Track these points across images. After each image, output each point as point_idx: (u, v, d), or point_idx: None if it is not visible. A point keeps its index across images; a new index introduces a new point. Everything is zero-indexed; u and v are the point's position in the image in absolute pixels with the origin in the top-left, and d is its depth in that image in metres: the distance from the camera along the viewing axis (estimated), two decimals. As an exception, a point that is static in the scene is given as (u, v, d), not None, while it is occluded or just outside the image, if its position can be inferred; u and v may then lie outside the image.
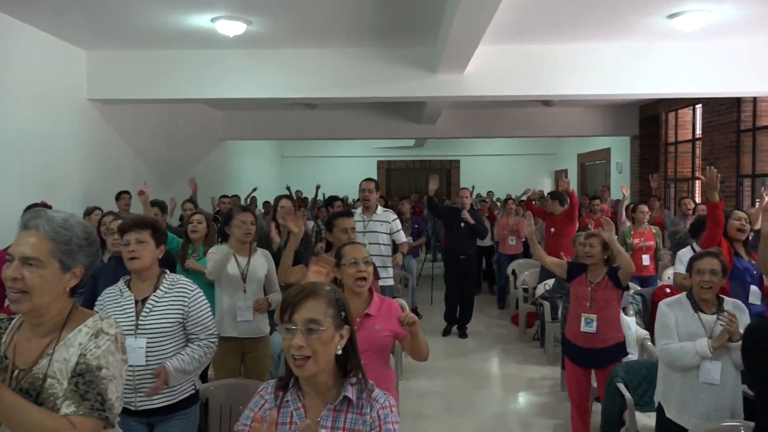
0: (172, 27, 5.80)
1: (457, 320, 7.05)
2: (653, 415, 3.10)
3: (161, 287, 2.59)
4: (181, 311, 2.58)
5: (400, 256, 5.44)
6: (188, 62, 6.63)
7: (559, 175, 16.80)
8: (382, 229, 5.22)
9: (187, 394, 2.65)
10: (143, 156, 8.13)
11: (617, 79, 6.61)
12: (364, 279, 2.61)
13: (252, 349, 3.76)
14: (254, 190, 10.59)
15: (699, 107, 9.58)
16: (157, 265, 2.65)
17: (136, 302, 2.55)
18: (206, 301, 2.70)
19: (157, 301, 2.56)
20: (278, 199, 4.69)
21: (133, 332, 2.50)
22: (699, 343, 2.70)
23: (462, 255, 6.80)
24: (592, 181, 14.27)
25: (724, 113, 8.64)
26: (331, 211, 7.22)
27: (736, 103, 8.37)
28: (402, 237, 5.35)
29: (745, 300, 3.48)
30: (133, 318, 2.52)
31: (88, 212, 5.71)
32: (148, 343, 2.50)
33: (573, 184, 15.50)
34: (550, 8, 5.37)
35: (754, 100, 8.13)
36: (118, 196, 6.45)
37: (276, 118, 11.10)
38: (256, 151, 14.23)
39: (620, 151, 12.28)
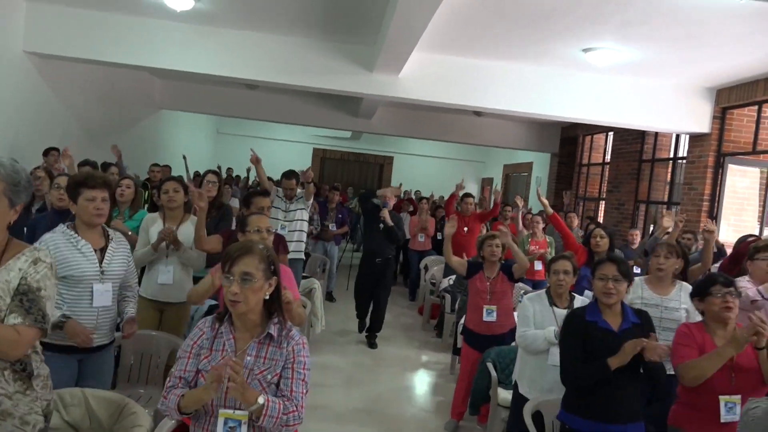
0: (120, -8, 5.92)
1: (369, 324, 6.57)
2: (513, 392, 3.63)
3: (113, 239, 2.94)
4: (128, 260, 3.00)
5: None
6: (132, 28, 6.71)
7: (486, 182, 17.63)
8: (302, 206, 5.91)
9: (114, 335, 3.05)
10: (76, 115, 8.09)
11: (537, 100, 7.24)
12: None
13: (171, 308, 3.92)
14: (184, 158, 10.62)
15: (611, 134, 10.45)
16: None
17: (95, 250, 2.84)
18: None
19: (114, 252, 2.91)
20: (205, 173, 4.98)
21: (99, 278, 2.81)
22: (547, 331, 3.24)
23: (378, 258, 6.33)
24: (515, 191, 15.09)
25: (631, 142, 9.52)
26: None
27: (641, 135, 9.25)
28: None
29: None
30: (98, 265, 2.82)
31: None
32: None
33: (497, 192, 16.36)
34: (480, 27, 5.88)
35: (656, 134, 9.01)
36: (46, 152, 6.47)
37: (216, 93, 11.14)
38: (192, 124, 14.15)
39: (541, 166, 13.12)
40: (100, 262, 2.83)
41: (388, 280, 6.51)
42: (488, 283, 4.32)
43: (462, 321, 4.73)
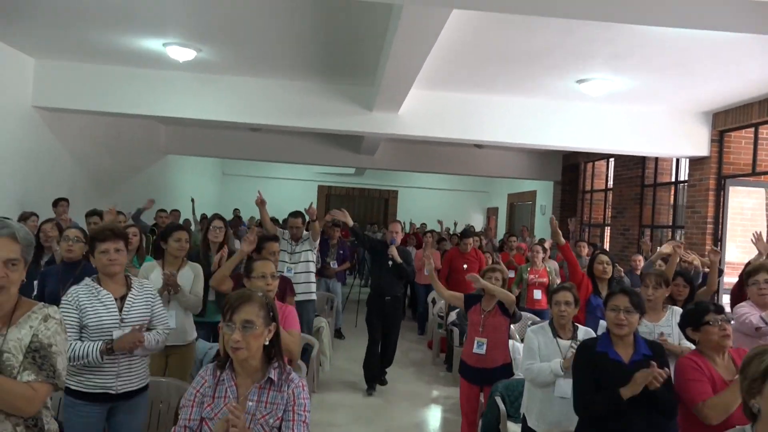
0: (124, 46, 6.11)
1: (377, 373, 6.18)
2: (524, 425, 3.62)
3: (134, 288, 3.00)
4: (150, 308, 3.03)
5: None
6: (136, 79, 6.93)
7: (491, 212, 17.68)
8: (308, 247, 5.97)
9: (148, 381, 3.08)
10: (83, 164, 8.26)
11: (535, 131, 7.35)
12: (270, 290, 3.15)
13: (176, 352, 4.00)
14: (192, 201, 10.78)
15: (612, 160, 10.53)
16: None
17: (115, 299, 2.92)
18: (161, 301, 3.17)
19: (134, 300, 2.97)
20: (212, 219, 5.07)
21: (118, 325, 2.87)
22: (553, 363, 3.25)
23: (387, 296, 6.03)
24: (520, 221, 15.16)
25: (632, 168, 9.58)
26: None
27: (641, 160, 9.32)
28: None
29: (596, 331, 4.11)
30: (117, 313, 2.89)
31: (24, 217, 5.92)
32: None
33: (501, 222, 16.40)
34: (474, 66, 6.03)
35: (656, 159, 9.08)
36: (55, 203, 6.62)
37: (220, 136, 11.37)
38: (197, 167, 14.34)
39: (545, 194, 13.19)
40: (120, 310, 2.91)
41: (397, 318, 6.26)
42: (482, 316, 4.34)
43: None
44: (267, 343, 2.14)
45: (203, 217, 11.15)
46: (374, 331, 6.10)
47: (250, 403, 2.09)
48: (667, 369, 2.63)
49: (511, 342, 5.07)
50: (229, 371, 2.15)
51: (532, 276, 6.60)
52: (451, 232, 12.16)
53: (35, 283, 3.79)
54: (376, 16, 4.80)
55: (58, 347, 1.97)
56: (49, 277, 3.76)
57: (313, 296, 6.03)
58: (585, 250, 7.91)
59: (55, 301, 3.43)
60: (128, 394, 2.93)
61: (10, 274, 1.90)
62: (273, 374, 2.13)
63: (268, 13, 4.95)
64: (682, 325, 2.97)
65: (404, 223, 12.20)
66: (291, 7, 4.75)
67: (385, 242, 6.11)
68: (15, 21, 5.54)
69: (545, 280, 6.62)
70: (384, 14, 4.70)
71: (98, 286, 2.92)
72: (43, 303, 2.07)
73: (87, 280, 2.98)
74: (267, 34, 5.48)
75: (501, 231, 15.46)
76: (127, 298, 2.95)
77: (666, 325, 3.61)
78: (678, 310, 3.64)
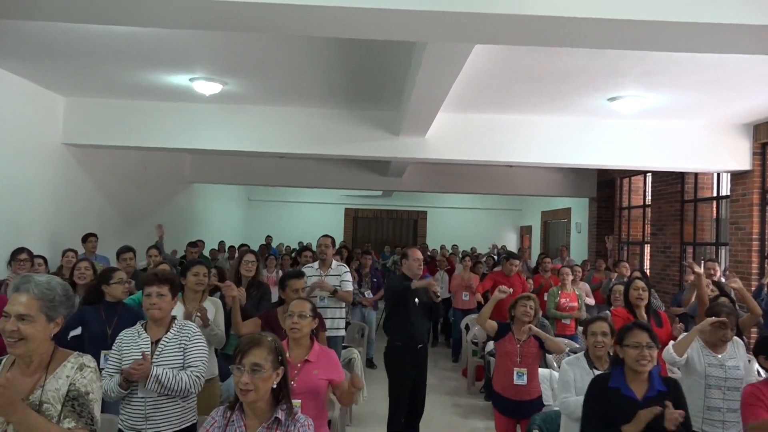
0: (151, 82, 6.15)
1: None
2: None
3: (171, 330, 2.98)
4: (182, 350, 2.95)
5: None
6: (163, 113, 6.97)
7: (525, 231, 17.35)
8: (336, 282, 5.49)
9: (189, 423, 2.97)
10: (111, 199, 8.32)
11: (567, 150, 7.14)
12: (295, 329, 3.09)
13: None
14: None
15: (650, 176, 10.19)
16: (170, 312, 3.05)
17: (151, 343, 2.92)
18: (204, 345, 3.02)
19: (167, 343, 2.94)
20: (243, 253, 4.98)
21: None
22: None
23: (420, 344, 4.87)
24: (554, 239, 14.82)
25: (671, 183, 9.25)
26: (300, 260, 7.56)
27: (680, 175, 8.99)
28: (347, 287, 5.52)
29: None
30: (149, 357, 2.85)
31: (63, 254, 6.05)
32: None
33: (536, 240, 16.05)
34: (502, 87, 5.89)
35: (695, 173, 8.74)
36: (85, 239, 6.65)
37: (245, 163, 11.25)
38: (222, 194, 14.34)
39: (580, 211, 12.83)
40: (153, 353, 2.90)
41: (426, 364, 5.07)
42: (518, 346, 4.19)
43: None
44: (275, 386, 2.22)
45: (231, 249, 11.17)
46: (403, 392, 4.81)
47: None
48: (682, 411, 2.55)
49: (548, 371, 4.88)
50: (239, 412, 2.24)
51: (563, 300, 6.36)
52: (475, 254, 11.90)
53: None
54: (400, 45, 4.71)
55: (94, 395, 2.03)
56: (91, 317, 3.72)
57: (342, 332, 5.61)
58: (629, 271, 7.57)
59: (104, 340, 3.56)
60: None
61: (22, 328, 1.95)
62: (280, 415, 2.21)
63: (293, 46, 4.91)
64: (756, 352, 2.91)
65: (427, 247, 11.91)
66: (315, 39, 4.69)
67: (407, 286, 4.74)
68: (45, 62, 5.62)
69: (575, 303, 6.39)
70: (409, 44, 4.62)
71: (142, 330, 2.99)
72: (78, 352, 2.11)
73: (138, 324, 3.05)
74: (292, 64, 5.45)
75: (535, 251, 15.14)
76: (161, 342, 2.95)
77: (733, 357, 3.49)
78: (739, 341, 3.57)
